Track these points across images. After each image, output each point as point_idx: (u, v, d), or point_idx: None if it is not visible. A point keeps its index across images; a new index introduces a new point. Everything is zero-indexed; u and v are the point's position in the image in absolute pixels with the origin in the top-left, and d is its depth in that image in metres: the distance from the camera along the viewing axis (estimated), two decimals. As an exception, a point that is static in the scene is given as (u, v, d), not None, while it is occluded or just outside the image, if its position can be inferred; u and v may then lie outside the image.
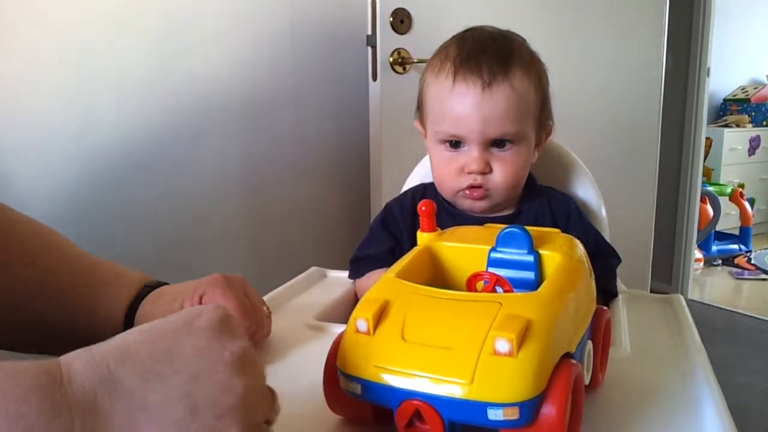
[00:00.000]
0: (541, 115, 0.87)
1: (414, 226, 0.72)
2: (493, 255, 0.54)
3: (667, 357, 0.65)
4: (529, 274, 0.52)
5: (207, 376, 0.39)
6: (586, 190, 1.00)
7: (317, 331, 0.72)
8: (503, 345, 0.41)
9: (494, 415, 0.40)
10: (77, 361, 0.37)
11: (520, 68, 0.82)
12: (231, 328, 0.43)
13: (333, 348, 0.48)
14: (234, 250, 1.83)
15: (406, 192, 0.97)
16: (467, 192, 0.85)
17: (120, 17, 1.58)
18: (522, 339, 0.41)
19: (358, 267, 0.89)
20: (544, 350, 0.42)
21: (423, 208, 0.59)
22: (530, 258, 0.52)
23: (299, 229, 1.93)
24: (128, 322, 0.66)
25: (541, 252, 0.53)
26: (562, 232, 0.87)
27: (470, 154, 0.83)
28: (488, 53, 0.82)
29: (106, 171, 1.61)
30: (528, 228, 0.54)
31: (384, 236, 0.90)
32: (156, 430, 0.37)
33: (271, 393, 0.44)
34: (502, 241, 0.53)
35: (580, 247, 0.56)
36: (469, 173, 0.83)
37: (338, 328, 0.72)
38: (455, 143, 0.84)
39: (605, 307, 0.57)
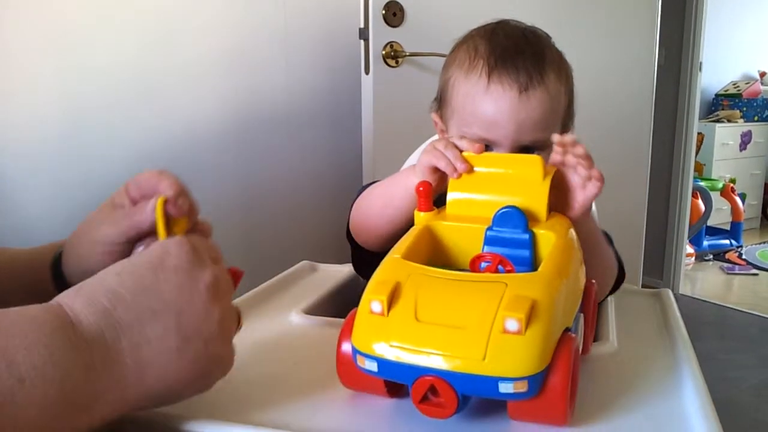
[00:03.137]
0: (566, 117, 0.84)
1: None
2: (490, 233, 0.56)
3: (653, 351, 0.65)
4: (525, 252, 0.55)
5: (188, 309, 0.45)
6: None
7: (305, 324, 0.72)
8: (513, 324, 0.44)
9: (505, 388, 0.44)
10: (75, 302, 0.42)
11: (553, 70, 0.78)
12: (199, 259, 0.48)
13: (346, 327, 0.51)
14: (227, 246, 1.82)
15: None
16: None
17: (112, 16, 1.58)
18: (529, 318, 0.44)
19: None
20: (549, 327, 0.45)
21: (421, 189, 0.61)
22: (525, 236, 0.56)
23: (292, 224, 1.93)
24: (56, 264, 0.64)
25: (536, 231, 0.56)
26: None
27: None
28: (523, 53, 0.77)
29: (100, 170, 1.60)
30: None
31: None
32: (161, 359, 0.44)
33: (237, 310, 0.51)
34: (499, 220, 0.56)
35: (570, 226, 0.59)
36: None
37: (326, 322, 0.72)
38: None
39: (593, 281, 0.60)
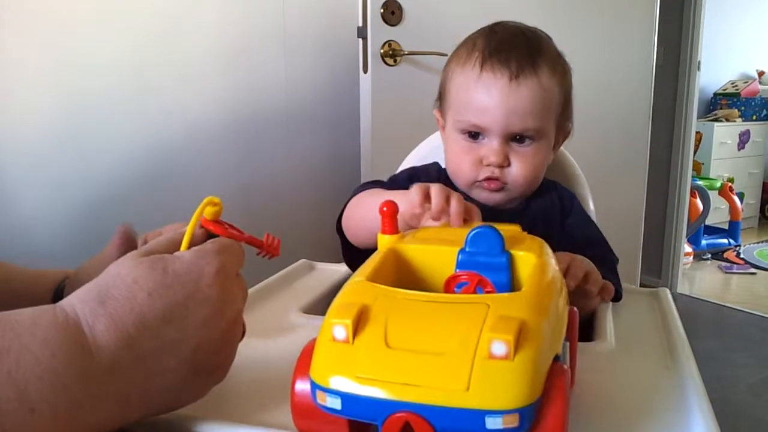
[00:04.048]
0: (562, 115, 0.86)
1: None
2: (462, 256, 0.50)
3: (651, 350, 0.65)
4: (502, 276, 0.49)
5: (206, 345, 0.45)
6: (573, 183, 1.00)
7: (303, 323, 0.72)
8: (500, 347, 0.38)
9: (493, 423, 0.37)
10: (98, 322, 0.40)
11: (547, 65, 0.81)
12: (229, 290, 0.47)
13: (302, 362, 0.44)
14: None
15: (423, 166, 0.95)
16: (485, 183, 0.84)
17: (112, 13, 1.57)
18: (518, 340, 0.38)
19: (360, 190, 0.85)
20: (540, 352, 0.39)
21: (385, 209, 0.54)
22: (502, 259, 0.49)
23: (290, 222, 1.93)
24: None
25: (514, 253, 0.50)
26: (566, 225, 0.87)
27: (490, 146, 0.82)
28: (518, 47, 0.81)
29: (98, 168, 1.60)
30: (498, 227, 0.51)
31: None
32: (167, 388, 0.43)
33: (243, 324, 0.52)
34: (472, 241, 0.50)
35: (549, 249, 0.53)
36: (488, 165, 0.82)
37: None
38: (475, 134, 0.83)
39: (575, 308, 0.54)
